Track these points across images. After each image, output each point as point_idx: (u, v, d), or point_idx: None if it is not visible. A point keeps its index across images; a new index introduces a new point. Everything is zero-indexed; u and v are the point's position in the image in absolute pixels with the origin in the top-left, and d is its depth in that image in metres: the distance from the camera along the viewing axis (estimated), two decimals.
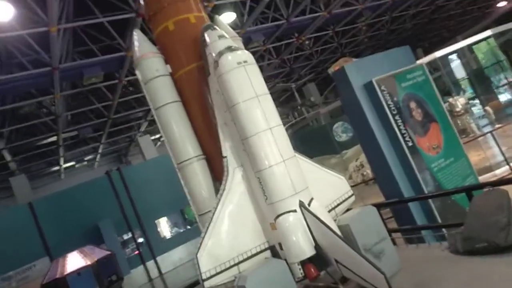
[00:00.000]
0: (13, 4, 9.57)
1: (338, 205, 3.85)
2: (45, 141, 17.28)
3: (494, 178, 7.60)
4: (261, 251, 3.53)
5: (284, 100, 22.57)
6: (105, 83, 14.22)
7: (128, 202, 14.96)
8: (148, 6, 4.09)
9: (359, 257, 2.97)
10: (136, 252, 14.97)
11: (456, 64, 12.66)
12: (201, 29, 3.71)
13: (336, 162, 15.57)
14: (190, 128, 3.91)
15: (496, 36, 11.45)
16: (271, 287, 3.12)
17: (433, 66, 12.99)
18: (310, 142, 16.86)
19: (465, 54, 13.45)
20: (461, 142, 6.03)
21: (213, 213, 3.45)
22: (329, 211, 3.69)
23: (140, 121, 19.27)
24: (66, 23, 10.61)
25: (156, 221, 16.14)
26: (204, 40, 3.63)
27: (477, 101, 15.21)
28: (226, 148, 3.61)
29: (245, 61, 3.43)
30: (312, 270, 3.26)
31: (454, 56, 14.47)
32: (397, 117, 5.56)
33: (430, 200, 5.39)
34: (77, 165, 21.82)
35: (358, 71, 5.71)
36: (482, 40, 10.91)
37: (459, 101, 12.64)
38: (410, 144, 5.55)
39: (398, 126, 5.54)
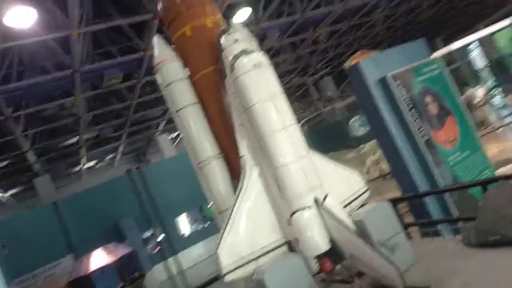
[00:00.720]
0: (35, 9, 9.90)
1: (353, 200, 3.94)
2: (67, 142, 17.76)
3: None
4: (279, 246, 3.65)
5: (300, 95, 22.58)
6: (124, 84, 14.53)
7: (148, 200, 15.29)
8: (166, 14, 4.25)
9: (373, 252, 3.07)
10: (158, 249, 15.30)
11: (475, 54, 12.44)
12: (218, 34, 3.84)
13: (353, 156, 15.56)
14: (208, 129, 4.07)
15: None
16: (288, 281, 3.24)
17: (450, 58, 12.82)
18: (327, 136, 16.85)
19: (486, 43, 13.21)
20: (477, 135, 6.03)
21: (232, 210, 3.59)
22: (344, 206, 3.79)
23: (158, 120, 19.59)
24: (86, 27, 10.90)
25: (176, 219, 16.45)
26: (221, 45, 3.77)
27: (498, 90, 14.87)
28: (243, 148, 3.74)
29: (259, 63, 3.56)
30: (328, 263, 3.37)
31: (472, 46, 14.17)
32: (412, 112, 5.60)
33: (446, 194, 5.42)
34: (97, 165, 22.35)
35: (373, 66, 5.76)
36: (503, 28, 10.70)
37: (478, 92, 12.43)
38: (426, 138, 5.58)
39: (413, 121, 5.58)
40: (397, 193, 6.07)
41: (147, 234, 15.66)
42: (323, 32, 16.78)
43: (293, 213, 3.47)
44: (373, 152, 14.48)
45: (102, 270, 8.13)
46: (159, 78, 4.15)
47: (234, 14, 12.88)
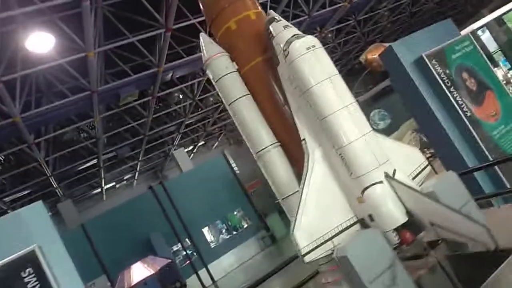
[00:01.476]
0: (52, 34, 10.04)
1: (417, 175, 3.91)
2: (86, 165, 17.86)
3: None
4: (351, 225, 3.63)
5: None
6: (138, 101, 14.65)
7: (173, 214, 15.31)
8: (208, 13, 4.30)
9: (459, 216, 3.04)
10: (188, 261, 15.27)
11: (487, 37, 12.42)
12: (265, 23, 3.88)
13: None
14: (262, 118, 4.07)
15: None
16: (371, 255, 3.21)
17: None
18: None
19: (493, 29, 13.19)
20: None
21: (301, 193, 3.58)
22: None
23: (173, 135, 19.68)
24: (99, 47, 11.04)
25: (202, 229, 16.46)
26: (270, 33, 3.80)
27: None
28: (304, 131, 3.74)
29: (313, 46, 3.58)
30: (408, 235, 3.34)
31: (480, 32, 14.11)
32: (452, 89, 5.59)
33: (496, 167, 5.37)
34: (117, 186, 22.44)
35: (405, 49, 5.77)
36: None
37: (499, 73, 12.38)
38: (468, 114, 5.56)
39: (454, 98, 5.56)
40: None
41: (176, 247, 15.68)
42: (328, 33, 16.87)
43: (365, 189, 3.45)
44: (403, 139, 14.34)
45: (145, 281, 8.11)
46: (209, 73, 4.19)
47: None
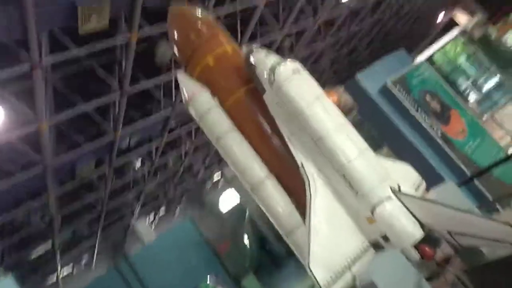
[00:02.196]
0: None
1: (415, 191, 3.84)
2: (39, 250, 16.34)
3: None
4: (365, 251, 3.41)
5: None
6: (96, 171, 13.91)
7: None
8: (182, 54, 4.24)
9: (481, 218, 2.94)
10: None
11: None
12: (245, 54, 3.84)
13: None
14: (252, 151, 3.89)
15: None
16: (396, 276, 3.01)
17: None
18: None
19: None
20: (481, 123, 6.28)
21: (308, 223, 3.35)
22: None
23: (133, 207, 18.73)
24: (51, 119, 10.53)
25: None
26: (251, 63, 3.75)
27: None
28: (300, 157, 3.60)
29: (297, 69, 3.57)
30: (427, 249, 3.17)
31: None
32: (419, 112, 5.77)
33: (476, 182, 5.46)
34: (74, 271, 20.57)
35: (369, 79, 5.97)
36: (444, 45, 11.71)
37: None
38: (439, 134, 5.72)
39: (424, 120, 5.73)
40: None
41: None
42: None
43: (374, 208, 3.29)
44: None
45: None
46: (192, 112, 4.03)
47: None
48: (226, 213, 22.49)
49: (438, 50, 13.66)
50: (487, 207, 5.09)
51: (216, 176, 21.79)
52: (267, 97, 3.70)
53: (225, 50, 4.10)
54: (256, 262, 18.59)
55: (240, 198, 20.13)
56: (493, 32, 13.65)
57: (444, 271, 3.51)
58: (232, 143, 3.86)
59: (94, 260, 21.12)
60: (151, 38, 10.54)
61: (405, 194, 3.30)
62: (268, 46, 12.66)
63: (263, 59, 3.68)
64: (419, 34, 24.91)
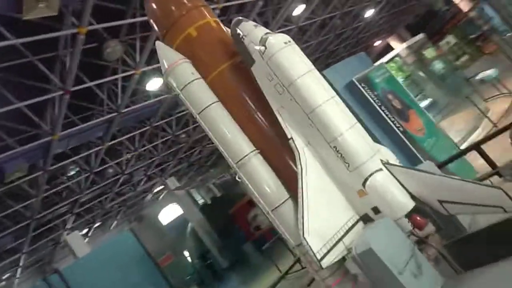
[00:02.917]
0: None
1: None
2: None
3: None
4: (355, 223, 3.35)
5: (216, 160, 22.56)
6: (26, 178, 12.70)
7: None
8: (162, 23, 3.98)
9: (469, 184, 3.00)
10: None
11: None
12: (232, 25, 3.70)
13: None
14: (237, 125, 3.71)
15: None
16: (392, 245, 2.96)
17: None
18: None
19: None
20: (435, 124, 6.63)
21: (301, 196, 3.23)
22: None
23: (65, 217, 17.38)
24: None
25: None
26: (239, 34, 3.62)
27: None
28: (290, 130, 3.48)
29: (289, 41, 3.49)
30: (419, 219, 3.18)
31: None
32: (383, 108, 5.96)
33: None
34: None
35: (336, 75, 6.07)
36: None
37: None
38: (401, 129, 5.93)
39: (386, 115, 5.92)
40: None
41: None
42: None
43: (365, 180, 3.26)
44: None
45: None
46: (172, 82, 3.75)
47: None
48: (167, 226, 21.63)
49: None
50: None
51: (158, 188, 20.99)
52: (256, 69, 3.57)
53: (208, 22, 3.93)
54: (199, 276, 17.96)
55: (183, 210, 19.50)
56: (430, 53, 14.73)
57: (426, 247, 3.53)
58: (217, 115, 3.66)
59: (17, 277, 19.14)
60: (98, 35, 10.02)
61: (396, 166, 3.31)
62: None
63: (252, 29, 3.57)
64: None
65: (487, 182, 4.20)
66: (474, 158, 6.33)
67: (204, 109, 3.64)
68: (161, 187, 20.96)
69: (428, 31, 17.35)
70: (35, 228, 15.85)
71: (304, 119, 3.39)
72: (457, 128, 11.13)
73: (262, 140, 3.69)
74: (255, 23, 3.67)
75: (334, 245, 3.09)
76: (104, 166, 15.65)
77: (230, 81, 3.79)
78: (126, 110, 12.56)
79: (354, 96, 6.00)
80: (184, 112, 15.76)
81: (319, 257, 2.96)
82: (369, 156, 3.30)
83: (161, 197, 22.24)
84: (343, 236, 3.18)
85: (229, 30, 3.88)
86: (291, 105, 3.42)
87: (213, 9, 10.35)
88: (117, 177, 17.02)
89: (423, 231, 3.61)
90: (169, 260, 17.46)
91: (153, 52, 11.58)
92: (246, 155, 3.57)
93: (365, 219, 3.39)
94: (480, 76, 11.88)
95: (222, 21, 4.24)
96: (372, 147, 3.40)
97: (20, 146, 11.25)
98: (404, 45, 10.45)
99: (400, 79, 12.63)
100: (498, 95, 11.62)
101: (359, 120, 5.73)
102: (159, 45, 3.88)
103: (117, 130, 14.43)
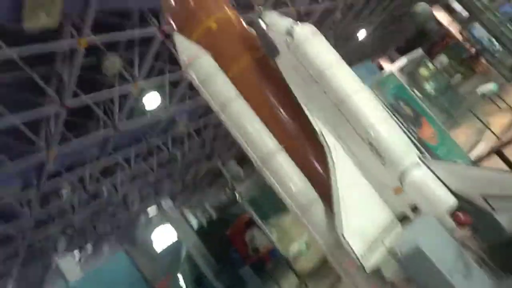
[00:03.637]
0: None
1: None
2: None
3: None
4: (392, 223, 3.11)
5: (211, 181, 22.13)
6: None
7: None
8: (179, 16, 3.81)
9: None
10: None
11: None
12: (256, 16, 3.55)
13: None
14: (260, 120, 3.49)
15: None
16: (439, 245, 2.73)
17: None
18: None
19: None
20: (447, 132, 6.51)
21: (334, 194, 2.99)
22: None
23: (57, 240, 16.74)
24: None
25: None
26: (261, 26, 3.46)
27: None
28: (319, 124, 3.28)
29: (315, 31, 3.35)
30: (463, 216, 2.96)
31: None
32: (396, 115, 5.82)
33: None
34: None
35: None
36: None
37: None
38: (415, 136, 5.78)
39: (400, 122, 5.77)
40: None
41: None
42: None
43: (403, 176, 3.04)
44: None
45: None
46: (193, 75, 3.55)
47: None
48: (160, 248, 20.98)
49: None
50: None
51: (152, 210, 20.50)
52: (281, 60, 3.39)
53: (227, 15, 3.78)
54: None
55: (177, 232, 18.99)
56: (424, 72, 14.85)
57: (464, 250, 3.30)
58: (241, 110, 3.44)
59: None
60: (96, 50, 9.87)
61: (434, 160, 3.11)
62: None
63: (277, 20, 3.41)
64: None
65: None
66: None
67: (226, 103, 3.43)
68: (155, 208, 20.48)
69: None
70: (25, 250, 15.21)
71: (334, 111, 3.20)
72: (459, 143, 11.08)
73: (288, 136, 3.48)
74: (279, 13, 3.52)
75: (376, 245, 2.84)
76: (98, 186, 15.22)
77: (252, 75, 3.60)
78: (123, 127, 12.30)
79: None
80: (180, 131, 15.53)
81: (361, 260, 2.70)
82: (405, 150, 3.11)
83: (155, 218, 21.68)
84: (383, 237, 2.93)
85: (248, 26, 3.73)
86: (320, 97, 3.23)
87: None
88: (111, 197, 16.56)
89: (459, 233, 3.39)
90: (166, 284, 16.85)
91: (151, 69, 11.47)
92: (272, 151, 3.34)
93: (403, 218, 3.16)
94: (481, 89, 11.93)
95: None
96: (407, 142, 3.21)
97: (13, 163, 10.84)
98: (403, 59, 10.45)
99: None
100: (497, 109, 11.64)
101: None
102: (178, 37, 3.69)
103: (112, 148, 14.12)
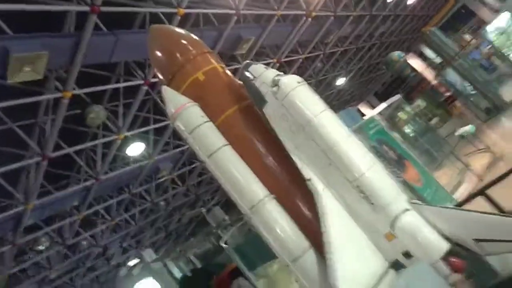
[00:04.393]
0: None
1: None
2: None
3: None
4: (386, 270, 3.06)
5: (195, 228, 21.59)
6: None
7: None
8: (167, 68, 3.90)
9: (507, 219, 2.82)
10: None
11: None
12: (242, 68, 3.66)
13: None
14: (249, 169, 3.49)
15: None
16: None
17: None
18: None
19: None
20: (431, 174, 6.61)
21: (326, 242, 2.96)
22: None
23: None
24: None
25: None
26: (248, 77, 3.55)
27: None
28: (307, 171, 3.29)
29: (301, 81, 3.44)
30: (457, 261, 2.93)
31: None
32: (381, 159, 5.90)
33: None
34: None
35: None
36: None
37: None
38: (401, 179, 5.84)
39: (385, 166, 5.84)
40: None
41: None
42: None
43: (394, 221, 3.04)
44: None
45: None
46: (180, 125, 3.56)
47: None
48: None
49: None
50: None
51: (133, 260, 19.75)
52: (268, 110, 3.44)
53: (215, 67, 3.87)
54: None
55: (160, 285, 18.22)
56: (403, 116, 15.31)
57: None
58: (228, 158, 3.43)
59: None
60: (80, 101, 9.91)
61: (424, 205, 3.12)
62: None
63: (263, 71, 3.52)
64: None
65: None
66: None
67: (214, 152, 3.43)
68: (137, 260, 19.77)
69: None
70: None
71: (322, 159, 3.22)
72: (442, 184, 11.25)
73: (277, 184, 3.47)
74: (265, 66, 3.63)
75: None
76: (78, 238, 14.72)
77: (240, 124, 3.64)
78: (105, 177, 12.12)
79: None
80: (164, 178, 15.37)
81: None
82: (395, 195, 3.12)
83: (136, 270, 20.86)
84: (377, 285, 2.87)
85: (234, 77, 3.83)
86: (307, 145, 3.27)
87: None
88: (91, 249, 15.98)
89: (453, 277, 3.35)
90: None
91: (135, 117, 11.50)
92: (261, 199, 3.31)
93: (396, 265, 3.11)
94: (459, 132, 12.32)
95: None
96: (396, 187, 3.23)
97: None
98: (383, 105, 10.82)
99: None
100: (479, 149, 11.97)
101: None
102: (166, 90, 3.74)
103: (93, 199, 13.81)
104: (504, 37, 18.90)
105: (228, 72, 3.94)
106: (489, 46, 18.76)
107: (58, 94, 8.77)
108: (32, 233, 12.83)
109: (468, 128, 12.25)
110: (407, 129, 16.46)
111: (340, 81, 22.13)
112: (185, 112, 3.54)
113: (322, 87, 20.69)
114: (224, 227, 20.08)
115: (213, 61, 3.93)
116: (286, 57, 14.84)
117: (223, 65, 4.03)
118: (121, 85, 10.16)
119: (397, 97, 12.41)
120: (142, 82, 10.26)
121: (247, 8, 11.15)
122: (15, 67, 7.13)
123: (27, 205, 10.82)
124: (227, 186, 3.42)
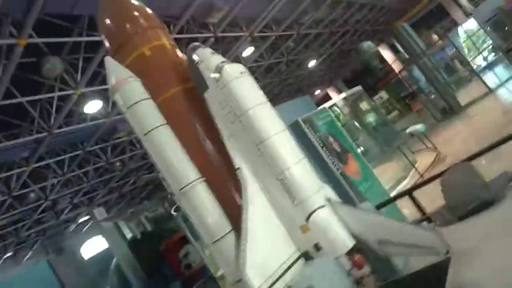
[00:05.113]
0: None
1: None
2: None
3: None
4: (296, 260, 3.30)
5: (151, 193, 21.63)
6: None
7: None
8: (114, 38, 3.85)
9: (409, 226, 3.11)
10: None
11: None
12: (188, 50, 3.67)
13: None
14: (184, 151, 3.59)
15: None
16: (331, 281, 2.95)
17: None
18: None
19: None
20: (371, 169, 6.95)
21: (243, 229, 3.15)
22: None
23: None
24: None
25: None
26: (194, 59, 3.60)
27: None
28: (238, 160, 3.44)
29: (244, 71, 3.53)
30: (359, 258, 3.21)
31: None
32: (324, 150, 6.15)
33: None
34: None
35: (281, 115, 6.20)
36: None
37: None
38: (340, 171, 6.13)
39: (327, 157, 6.11)
40: None
41: None
42: None
43: (309, 215, 3.26)
44: None
45: None
46: (119, 99, 3.57)
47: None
48: (89, 260, 20.08)
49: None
50: None
51: (83, 218, 19.66)
52: (209, 96, 3.53)
53: (163, 44, 3.87)
54: None
55: (109, 244, 18.31)
56: (364, 106, 15.71)
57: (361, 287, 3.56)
58: (164, 138, 3.52)
59: None
60: (38, 50, 9.54)
61: (340, 204, 3.36)
62: None
63: (209, 56, 3.57)
64: None
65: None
66: (402, 206, 6.69)
67: (150, 130, 3.50)
68: (87, 217, 19.67)
69: (363, 85, 18.63)
70: None
71: (253, 150, 3.37)
72: (387, 177, 11.83)
73: (209, 169, 3.60)
74: (212, 50, 3.67)
75: (275, 281, 3.01)
76: (26, 190, 14.45)
77: (180, 105, 3.70)
78: (58, 131, 11.85)
79: (297, 136, 6.15)
80: (122, 139, 15.18)
81: None
82: (314, 192, 3.33)
83: (85, 228, 20.79)
84: (284, 273, 3.11)
85: (184, 56, 3.86)
86: (241, 134, 3.40)
87: None
88: (39, 203, 15.75)
89: (359, 272, 3.65)
90: None
91: (95, 74, 11.19)
92: (191, 182, 3.44)
93: (306, 256, 3.36)
94: (410, 129, 12.83)
95: None
96: (317, 183, 3.44)
97: None
98: (343, 94, 11.08)
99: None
100: (424, 148, 12.58)
101: None
102: (109, 60, 3.72)
103: (45, 152, 13.52)
104: (470, 42, 19.55)
105: (179, 52, 3.96)
106: (453, 50, 19.37)
107: (12, 41, 8.41)
108: None
109: (418, 127, 12.79)
110: (369, 118, 16.89)
111: (312, 63, 22.28)
112: (125, 86, 3.55)
113: (293, 67, 20.77)
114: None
115: (163, 37, 3.93)
116: (260, 32, 14.72)
117: (174, 43, 4.03)
118: (83, 39, 9.82)
119: (357, 88, 12.70)
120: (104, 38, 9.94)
121: None
122: None
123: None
124: (160, 165, 3.52)
